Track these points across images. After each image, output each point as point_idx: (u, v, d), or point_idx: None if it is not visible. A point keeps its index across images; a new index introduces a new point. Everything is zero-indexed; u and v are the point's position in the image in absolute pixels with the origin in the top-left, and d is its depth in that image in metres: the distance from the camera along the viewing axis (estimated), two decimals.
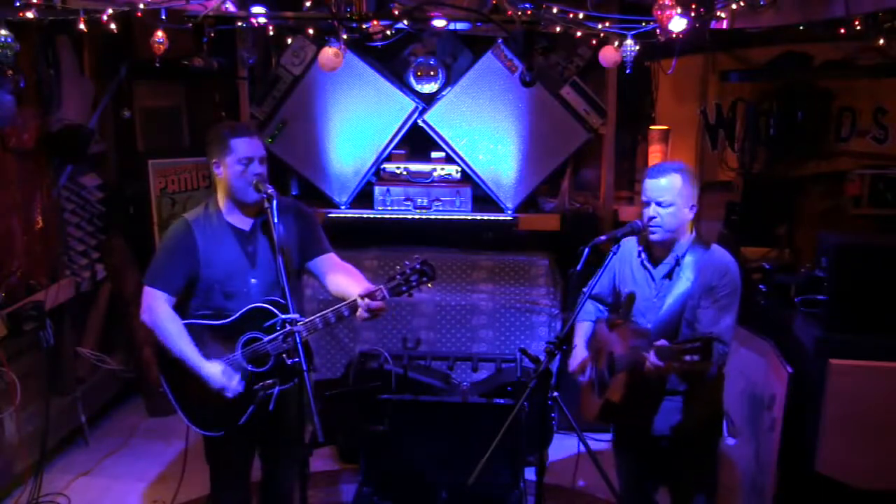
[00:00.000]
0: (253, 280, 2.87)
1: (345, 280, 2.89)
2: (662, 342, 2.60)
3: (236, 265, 2.87)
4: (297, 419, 2.94)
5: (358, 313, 2.70)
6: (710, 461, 3.00)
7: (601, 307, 3.13)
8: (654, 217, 2.75)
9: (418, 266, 2.72)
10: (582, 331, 3.08)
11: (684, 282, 2.77)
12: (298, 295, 3.05)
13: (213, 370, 2.78)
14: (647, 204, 2.78)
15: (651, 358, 2.58)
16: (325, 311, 2.76)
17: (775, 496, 3.39)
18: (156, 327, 2.84)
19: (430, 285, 2.74)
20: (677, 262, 2.80)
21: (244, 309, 2.82)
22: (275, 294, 2.83)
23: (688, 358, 2.46)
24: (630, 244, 2.94)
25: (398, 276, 2.72)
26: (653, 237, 2.80)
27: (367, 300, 2.68)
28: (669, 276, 2.82)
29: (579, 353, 3.04)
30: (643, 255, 2.90)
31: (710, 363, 2.50)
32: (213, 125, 2.95)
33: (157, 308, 2.84)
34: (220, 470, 3.09)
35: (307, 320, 2.75)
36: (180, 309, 2.89)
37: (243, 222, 2.91)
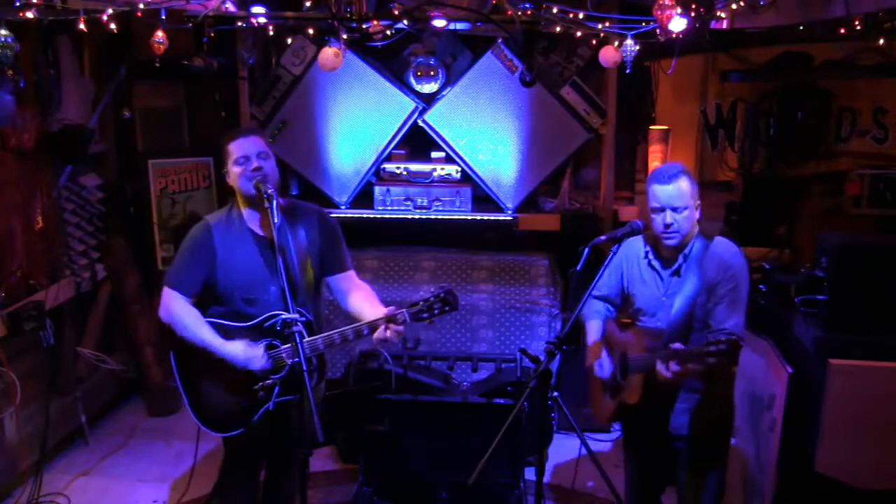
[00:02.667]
0: (273, 287, 2.86)
1: (363, 302, 2.93)
2: (678, 345, 2.60)
3: (256, 272, 2.87)
4: (302, 421, 2.95)
5: (376, 334, 2.74)
6: (720, 461, 3.00)
7: (610, 307, 3.13)
8: (672, 223, 2.73)
9: (442, 294, 2.76)
10: (594, 329, 3.07)
11: (691, 279, 2.78)
12: (317, 304, 3.05)
13: (236, 348, 2.78)
14: (660, 210, 2.75)
15: (658, 367, 2.59)
16: (344, 329, 2.79)
17: (775, 496, 3.39)
18: (173, 321, 2.86)
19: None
20: (685, 259, 2.81)
21: (262, 317, 2.83)
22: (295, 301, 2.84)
23: (711, 360, 2.46)
24: (636, 245, 2.93)
25: (421, 303, 2.76)
26: (670, 242, 2.78)
27: (391, 324, 2.71)
28: (677, 272, 2.82)
29: (594, 350, 3.03)
30: (650, 256, 2.91)
31: (734, 365, 2.51)
32: (217, 130, 2.95)
33: (173, 304, 2.86)
34: (234, 469, 3.10)
35: (325, 335, 2.78)
36: (202, 311, 2.89)
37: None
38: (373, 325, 2.75)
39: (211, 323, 2.85)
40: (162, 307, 2.89)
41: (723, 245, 2.82)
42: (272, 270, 2.86)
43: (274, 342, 2.84)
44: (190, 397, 2.94)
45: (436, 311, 2.76)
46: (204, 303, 2.92)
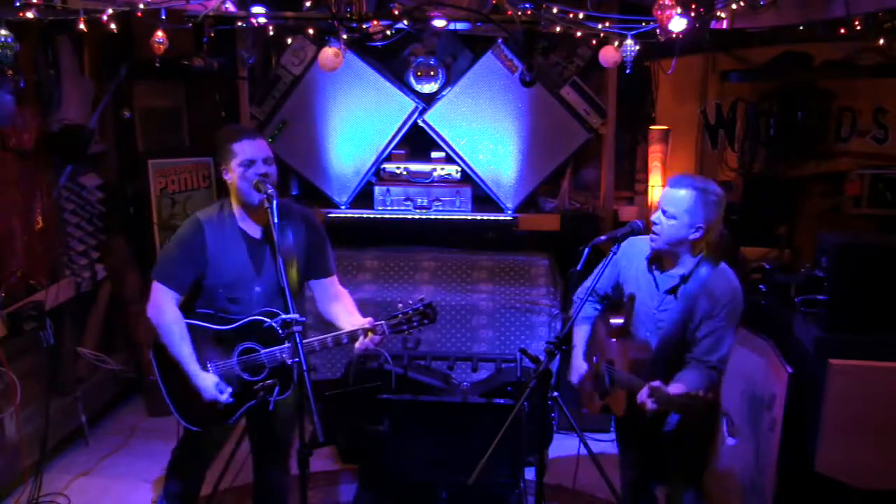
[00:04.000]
0: (257, 288, 2.88)
1: (340, 310, 2.98)
2: (657, 384, 2.61)
3: (243, 272, 2.87)
4: (291, 420, 2.97)
5: (357, 344, 2.80)
6: (704, 455, 3.02)
7: (598, 305, 3.14)
8: (657, 224, 2.79)
9: (420, 307, 2.80)
10: (580, 335, 3.09)
11: (686, 302, 2.78)
12: (301, 306, 3.08)
13: (207, 382, 2.80)
14: (658, 208, 2.81)
15: (642, 396, 2.61)
16: (324, 336, 2.82)
17: (775, 496, 3.39)
18: (160, 326, 2.85)
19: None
20: (682, 280, 2.80)
21: (244, 320, 2.84)
22: (276, 303, 2.85)
23: (686, 410, 2.57)
24: (640, 244, 2.93)
25: (400, 315, 2.80)
26: (651, 243, 2.83)
27: (370, 334, 2.78)
28: (673, 292, 2.82)
29: (578, 364, 3.05)
30: (648, 259, 2.91)
31: (717, 408, 2.56)
32: (217, 130, 2.95)
33: (164, 307, 2.85)
34: (190, 450, 3.12)
35: (305, 341, 2.78)
36: (183, 306, 2.89)
37: (254, 229, 2.91)
38: (352, 335, 2.81)
39: (195, 326, 2.86)
40: (151, 304, 2.88)
41: (725, 276, 2.81)
42: (258, 271, 2.88)
43: (253, 346, 2.85)
44: (170, 391, 2.94)
45: (414, 324, 2.81)
46: (188, 300, 2.92)
